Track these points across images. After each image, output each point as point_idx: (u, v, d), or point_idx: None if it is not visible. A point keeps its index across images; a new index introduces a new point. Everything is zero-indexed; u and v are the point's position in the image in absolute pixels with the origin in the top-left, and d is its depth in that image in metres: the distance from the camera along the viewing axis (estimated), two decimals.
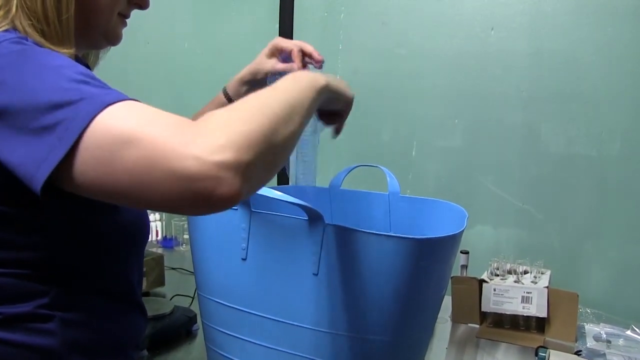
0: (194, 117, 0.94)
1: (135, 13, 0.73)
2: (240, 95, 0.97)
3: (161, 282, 1.40)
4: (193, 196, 0.46)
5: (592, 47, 1.35)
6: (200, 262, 0.88)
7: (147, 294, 1.36)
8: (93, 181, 0.49)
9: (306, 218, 0.75)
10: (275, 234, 0.78)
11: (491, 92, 1.45)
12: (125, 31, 0.71)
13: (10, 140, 0.51)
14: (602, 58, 1.34)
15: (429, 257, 0.74)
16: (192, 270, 1.52)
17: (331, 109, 0.74)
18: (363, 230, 0.71)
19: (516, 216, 1.45)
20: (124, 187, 0.48)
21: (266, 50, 0.97)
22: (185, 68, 1.87)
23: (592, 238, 1.39)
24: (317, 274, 0.75)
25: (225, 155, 0.45)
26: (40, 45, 0.59)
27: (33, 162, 0.50)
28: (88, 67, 0.74)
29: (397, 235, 0.71)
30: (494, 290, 1.20)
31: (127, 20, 0.72)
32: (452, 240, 0.77)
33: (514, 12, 1.41)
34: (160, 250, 1.74)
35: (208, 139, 0.46)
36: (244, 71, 0.99)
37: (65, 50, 0.61)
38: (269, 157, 0.50)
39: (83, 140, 0.49)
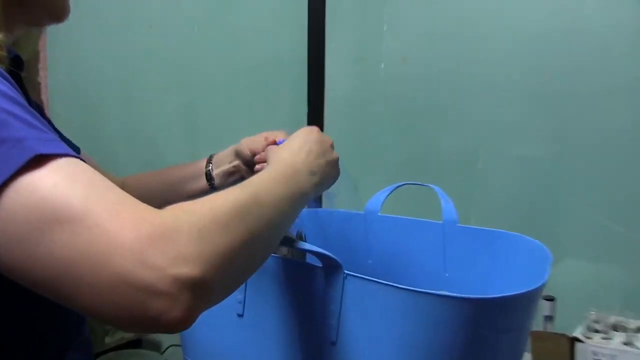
0: (127, 181, 0.94)
1: None
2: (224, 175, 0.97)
3: None
4: (142, 312, 0.44)
5: None
6: None
7: (139, 342, 1.33)
8: (9, 259, 0.45)
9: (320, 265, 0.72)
10: (279, 285, 0.76)
11: (587, 85, 1.36)
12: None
13: None
14: None
15: (495, 324, 0.67)
16: None
17: None
18: (396, 285, 0.66)
19: (623, 249, 1.36)
20: (50, 277, 0.45)
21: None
22: (195, 57, 1.86)
23: None
24: (335, 342, 0.72)
25: (190, 270, 0.45)
26: None
27: None
28: (20, 63, 0.69)
29: (445, 294, 0.64)
30: (594, 354, 1.13)
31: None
32: (528, 299, 0.70)
33: None
34: None
35: (174, 245, 0.45)
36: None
37: None
38: (238, 278, 0.53)
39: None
